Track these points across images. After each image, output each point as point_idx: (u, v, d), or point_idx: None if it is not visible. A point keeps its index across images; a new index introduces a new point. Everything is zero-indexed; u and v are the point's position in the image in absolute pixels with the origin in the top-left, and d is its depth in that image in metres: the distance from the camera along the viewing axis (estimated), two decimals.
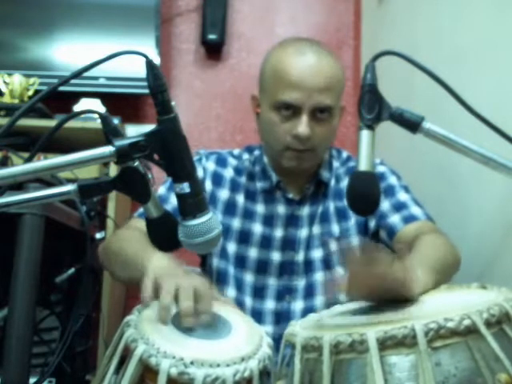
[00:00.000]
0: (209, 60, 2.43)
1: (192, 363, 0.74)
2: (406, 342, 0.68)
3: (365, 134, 0.98)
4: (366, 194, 0.99)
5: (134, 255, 1.04)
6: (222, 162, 1.35)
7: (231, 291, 1.25)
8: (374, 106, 0.98)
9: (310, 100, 1.21)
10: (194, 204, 0.81)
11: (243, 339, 0.85)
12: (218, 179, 1.32)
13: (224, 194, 1.31)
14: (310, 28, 2.42)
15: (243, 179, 1.34)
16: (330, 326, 0.81)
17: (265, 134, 1.31)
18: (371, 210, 1.05)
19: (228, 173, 1.34)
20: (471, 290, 0.86)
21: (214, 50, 2.42)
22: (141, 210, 1.28)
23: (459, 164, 1.26)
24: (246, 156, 1.39)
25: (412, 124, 0.98)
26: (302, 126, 1.20)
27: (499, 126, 0.99)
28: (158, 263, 0.95)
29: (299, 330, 0.82)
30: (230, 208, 1.30)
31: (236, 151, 1.41)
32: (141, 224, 1.23)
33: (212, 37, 2.33)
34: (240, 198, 1.32)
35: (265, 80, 1.29)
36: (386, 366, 0.68)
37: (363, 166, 0.98)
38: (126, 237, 1.18)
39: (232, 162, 1.37)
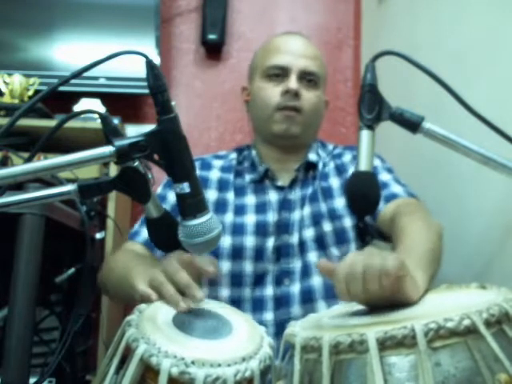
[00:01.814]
0: (209, 60, 2.43)
1: (193, 363, 0.74)
2: (405, 343, 0.68)
3: (365, 134, 0.98)
4: (365, 193, 0.99)
5: (123, 275, 1.05)
6: (206, 165, 1.38)
7: (225, 291, 1.25)
8: (373, 106, 0.98)
9: (297, 63, 1.33)
10: (193, 204, 0.81)
11: (244, 339, 0.85)
12: (203, 182, 1.33)
13: (212, 194, 1.32)
14: (310, 28, 2.42)
15: (231, 177, 1.37)
16: (329, 327, 0.81)
17: (255, 105, 1.38)
18: (371, 210, 1.06)
19: (214, 174, 1.37)
20: (471, 289, 0.86)
21: (214, 50, 2.42)
22: (132, 230, 1.33)
23: (459, 164, 1.26)
24: (233, 155, 1.43)
25: (412, 124, 0.98)
26: (292, 81, 1.32)
27: (499, 126, 1.00)
28: (142, 277, 0.96)
29: (299, 330, 0.82)
30: (220, 206, 1.31)
31: (221, 152, 1.46)
32: (133, 246, 1.27)
33: (212, 37, 2.33)
34: (230, 196, 1.33)
35: (255, 61, 1.42)
36: (386, 367, 0.68)
37: (363, 166, 0.98)
38: (116, 261, 1.21)
39: (217, 163, 1.40)
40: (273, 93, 1.33)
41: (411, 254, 0.95)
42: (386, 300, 0.81)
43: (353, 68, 2.44)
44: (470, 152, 0.99)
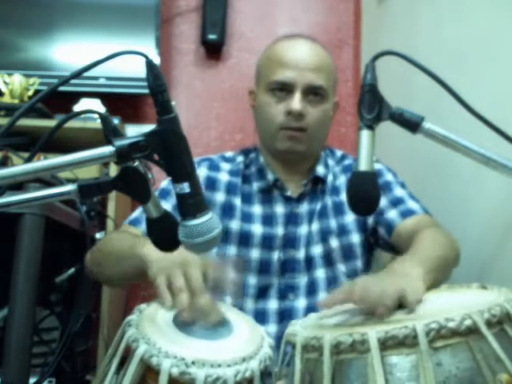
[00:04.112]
0: (209, 60, 2.43)
1: (193, 363, 0.74)
2: (406, 342, 0.68)
3: (365, 134, 0.98)
4: (366, 194, 0.99)
5: (129, 248, 1.05)
6: (214, 167, 1.35)
7: (228, 300, 1.24)
8: (374, 106, 0.98)
9: (302, 78, 1.26)
10: (193, 204, 0.81)
11: (244, 339, 0.85)
12: (211, 183, 1.31)
13: (220, 197, 1.30)
14: (310, 28, 2.42)
15: (239, 181, 1.34)
16: (330, 326, 0.81)
17: (260, 119, 1.34)
18: (371, 210, 1.05)
19: (223, 177, 1.34)
20: (472, 289, 0.86)
21: (214, 50, 2.42)
22: (132, 216, 1.30)
23: (459, 164, 1.26)
24: (240, 159, 1.39)
25: (412, 124, 0.98)
26: (295, 101, 1.25)
27: (499, 126, 1.00)
28: (155, 253, 0.95)
29: (300, 329, 0.82)
30: (227, 210, 1.29)
31: (228, 154, 1.41)
32: (132, 230, 1.24)
33: (212, 37, 2.33)
34: (237, 201, 1.31)
35: (261, 68, 1.36)
36: (387, 366, 0.68)
37: (363, 166, 0.98)
38: (118, 237, 1.20)
39: (225, 166, 1.37)
40: (276, 111, 1.27)
41: (416, 255, 0.95)
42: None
43: (353, 68, 2.44)
44: (470, 152, 0.99)
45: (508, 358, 0.67)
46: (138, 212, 1.29)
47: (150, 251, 0.96)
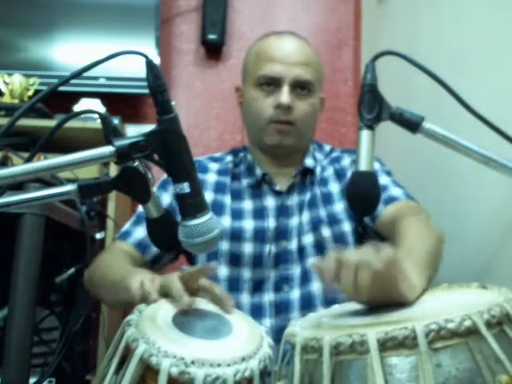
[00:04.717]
0: (209, 60, 2.43)
1: (193, 363, 0.74)
2: (406, 343, 0.68)
3: (365, 134, 0.98)
4: (366, 193, 0.99)
5: (119, 279, 1.04)
6: (202, 169, 1.36)
7: None
8: (374, 106, 0.98)
9: (290, 72, 1.29)
10: (193, 204, 0.81)
11: (244, 339, 0.85)
12: None
13: (208, 196, 1.30)
14: (310, 28, 2.42)
15: (227, 180, 1.35)
16: (330, 327, 0.81)
17: (248, 113, 1.35)
18: (371, 210, 1.06)
19: (210, 177, 1.35)
20: (471, 289, 0.86)
21: (214, 50, 2.42)
22: (122, 230, 1.30)
23: (459, 164, 1.26)
24: (229, 158, 1.41)
25: (412, 124, 0.98)
26: (284, 95, 1.27)
27: (499, 126, 1.00)
28: (139, 278, 0.96)
29: (299, 330, 0.82)
30: (217, 208, 1.29)
31: (217, 154, 1.43)
32: (122, 247, 1.24)
33: (212, 37, 2.33)
34: (227, 199, 1.32)
35: (248, 64, 1.37)
36: (387, 367, 0.68)
37: (363, 165, 0.98)
38: (109, 262, 1.18)
39: (213, 166, 1.38)
40: (265, 105, 1.29)
41: (409, 255, 0.95)
42: (380, 298, 0.81)
43: (353, 68, 2.44)
44: (470, 152, 0.99)
45: (508, 358, 0.67)
46: (128, 224, 1.30)
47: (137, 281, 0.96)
